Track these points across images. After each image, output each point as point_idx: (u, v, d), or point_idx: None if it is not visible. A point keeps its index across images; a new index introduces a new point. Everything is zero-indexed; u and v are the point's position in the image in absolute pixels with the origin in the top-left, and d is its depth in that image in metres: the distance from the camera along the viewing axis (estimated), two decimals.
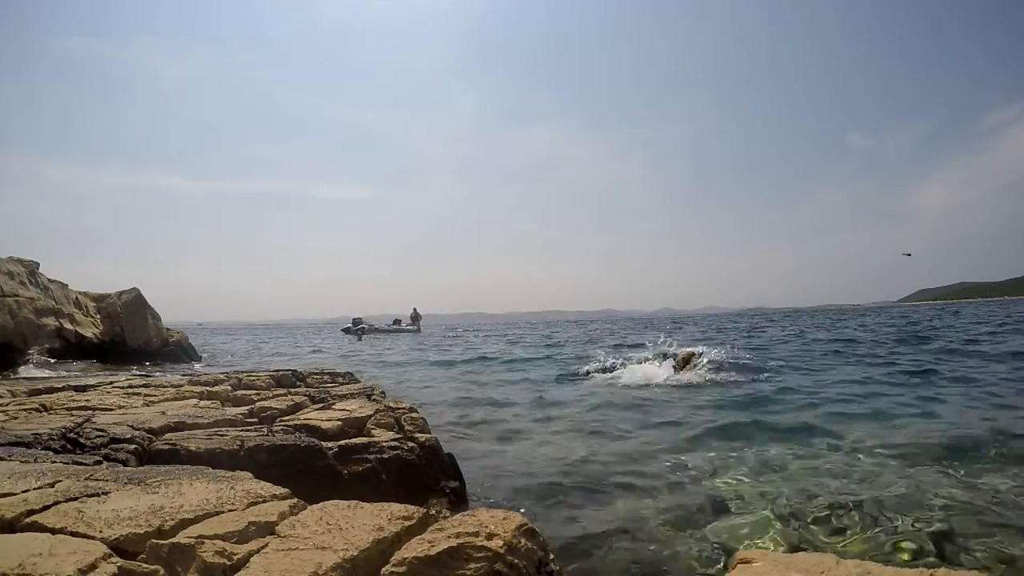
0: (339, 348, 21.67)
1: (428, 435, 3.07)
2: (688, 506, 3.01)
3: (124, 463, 2.32)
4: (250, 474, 2.01)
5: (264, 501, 1.70)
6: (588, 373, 9.31)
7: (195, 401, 3.65)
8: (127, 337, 14.27)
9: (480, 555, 1.35)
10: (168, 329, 15.81)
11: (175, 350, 15.14)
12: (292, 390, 4.17)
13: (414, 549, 1.37)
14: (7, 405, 3.36)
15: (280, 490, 1.80)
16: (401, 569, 1.32)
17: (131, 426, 2.69)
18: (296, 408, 3.46)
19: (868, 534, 2.61)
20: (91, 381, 4.59)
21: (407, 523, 1.54)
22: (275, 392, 4.09)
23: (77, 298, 14.38)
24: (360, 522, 1.52)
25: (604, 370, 9.27)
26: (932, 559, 2.35)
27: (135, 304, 14.71)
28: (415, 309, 38.03)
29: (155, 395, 3.82)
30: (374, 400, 3.71)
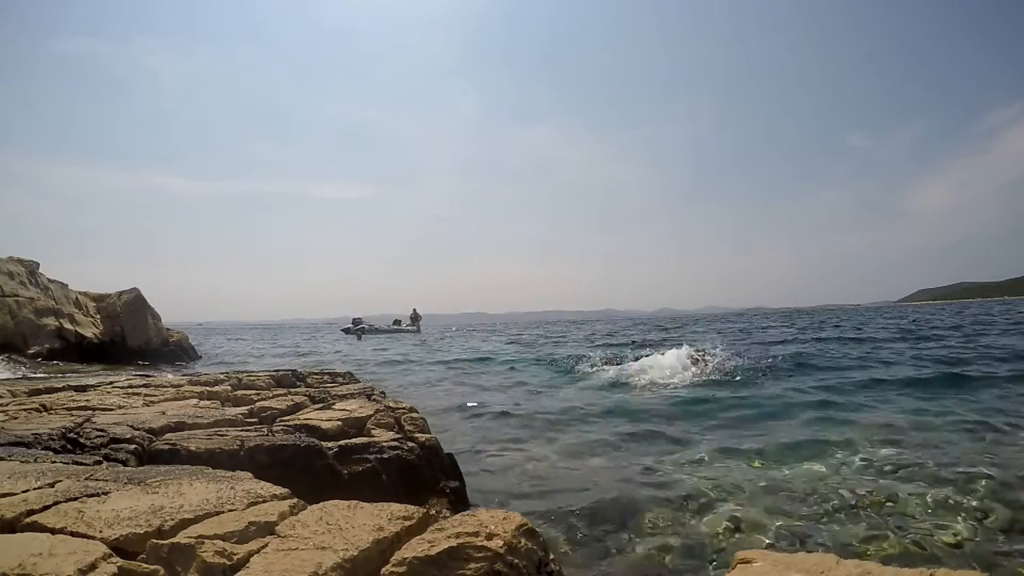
0: (339, 348, 21.65)
1: (428, 435, 3.06)
2: (688, 505, 3.01)
3: (124, 463, 2.31)
4: (250, 474, 2.00)
5: (264, 501, 1.70)
6: (588, 373, 9.31)
7: (195, 401, 3.65)
8: (127, 337, 14.29)
9: (480, 555, 1.35)
10: (168, 329, 15.82)
11: (175, 350, 15.16)
12: (292, 390, 4.17)
13: (414, 549, 1.37)
14: (7, 405, 3.35)
15: (280, 490, 1.80)
16: (401, 569, 1.32)
17: (131, 426, 2.68)
18: (296, 408, 3.46)
19: (874, 535, 2.61)
20: (91, 381, 4.59)
21: (407, 523, 1.53)
22: (275, 392, 4.08)
23: (77, 298, 14.39)
24: (360, 522, 1.52)
25: (604, 370, 9.27)
26: (933, 560, 2.35)
27: (135, 304, 14.73)
28: (415, 309, 38.00)
29: (155, 395, 3.81)
30: (374, 400, 3.71)
